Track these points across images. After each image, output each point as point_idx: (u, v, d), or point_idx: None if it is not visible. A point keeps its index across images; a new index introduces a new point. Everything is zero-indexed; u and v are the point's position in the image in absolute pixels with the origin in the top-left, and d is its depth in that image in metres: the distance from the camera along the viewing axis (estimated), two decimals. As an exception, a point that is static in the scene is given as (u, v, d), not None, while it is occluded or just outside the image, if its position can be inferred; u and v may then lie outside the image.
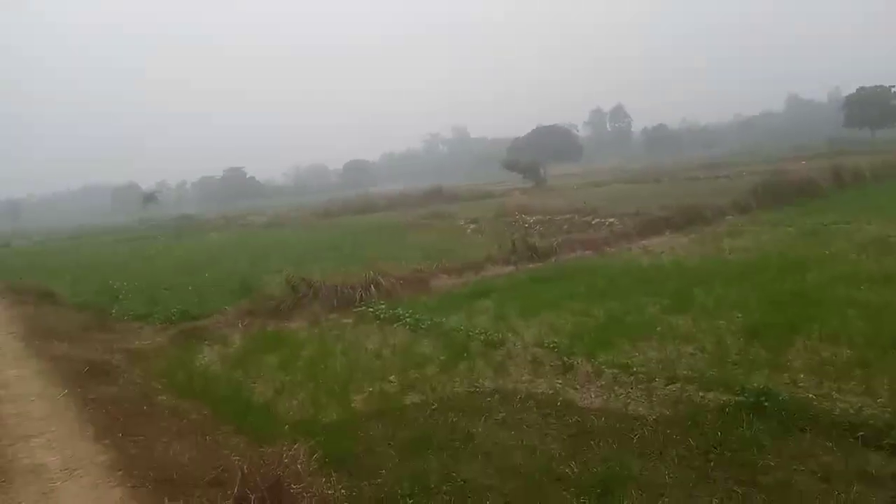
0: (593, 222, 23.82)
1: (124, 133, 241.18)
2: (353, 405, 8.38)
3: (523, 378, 8.70)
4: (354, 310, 14.17)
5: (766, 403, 6.75)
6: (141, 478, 5.91)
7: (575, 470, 6.03)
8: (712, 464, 5.91)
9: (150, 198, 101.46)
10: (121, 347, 12.52)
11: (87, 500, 5.71)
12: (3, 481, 6.26)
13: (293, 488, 4.64)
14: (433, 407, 7.95)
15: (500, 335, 10.49)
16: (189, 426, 7.71)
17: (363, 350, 11.03)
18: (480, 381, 8.73)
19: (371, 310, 13.76)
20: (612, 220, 23.53)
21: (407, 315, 12.67)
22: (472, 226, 28.01)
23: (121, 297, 18.18)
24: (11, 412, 8.63)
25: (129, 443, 6.96)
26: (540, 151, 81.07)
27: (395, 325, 12.40)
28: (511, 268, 17.60)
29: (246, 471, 4.78)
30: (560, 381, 8.44)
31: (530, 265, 17.70)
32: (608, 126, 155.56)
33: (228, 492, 4.81)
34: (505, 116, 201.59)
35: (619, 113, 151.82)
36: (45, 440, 7.37)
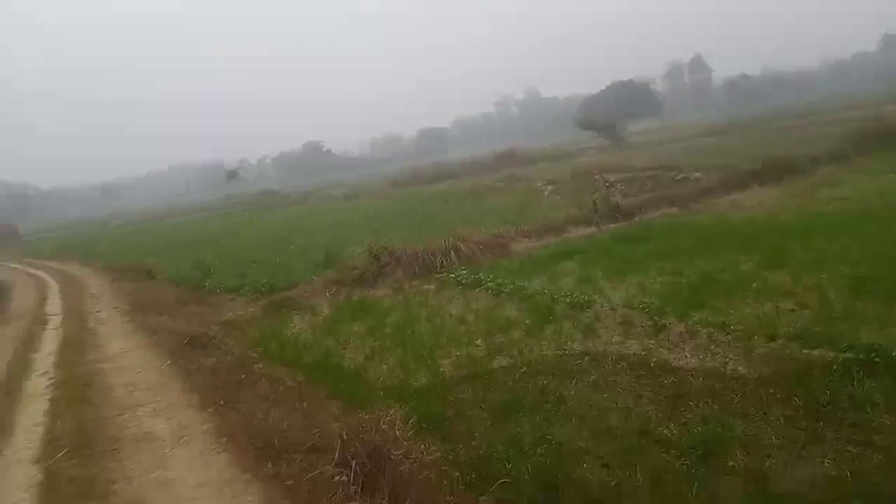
0: (677, 178, 22.98)
1: (204, 113, 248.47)
2: (441, 370, 8.42)
3: (613, 340, 8.51)
4: (436, 276, 14.23)
5: (877, 360, 6.35)
6: (244, 444, 6.13)
7: (674, 432, 5.87)
8: (821, 423, 5.62)
9: (232, 175, 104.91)
10: (216, 319, 13.02)
11: (196, 465, 5.97)
12: (115, 449, 6.63)
13: (393, 454, 4.69)
14: (522, 370, 7.89)
15: (587, 297, 10.27)
16: (285, 393, 7.94)
17: (447, 315, 11.06)
18: (569, 343, 8.60)
19: (452, 276, 13.77)
20: (697, 175, 22.64)
21: (489, 280, 12.61)
22: (549, 187, 27.55)
23: (212, 271, 18.88)
24: (119, 383, 9.14)
25: (230, 410, 7.24)
26: (616, 108, 78.63)
27: (477, 290, 12.36)
28: (593, 228, 17.23)
29: (345, 437, 4.86)
30: (652, 342, 8.21)
31: (613, 225, 17.29)
32: (687, 78, 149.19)
33: (329, 457, 4.92)
34: (577, 74, 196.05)
35: (698, 64, 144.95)
36: (152, 409, 7.76)
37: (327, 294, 14.26)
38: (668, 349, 7.95)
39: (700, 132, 50.24)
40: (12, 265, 33.95)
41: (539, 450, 5.84)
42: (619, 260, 12.60)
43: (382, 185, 53.05)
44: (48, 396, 8.99)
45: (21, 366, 10.95)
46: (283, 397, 7.75)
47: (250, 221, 38.62)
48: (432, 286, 13.51)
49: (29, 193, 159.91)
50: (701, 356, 7.60)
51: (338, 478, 4.53)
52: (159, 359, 10.04)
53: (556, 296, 10.65)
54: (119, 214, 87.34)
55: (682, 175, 23.33)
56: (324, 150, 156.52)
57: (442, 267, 14.70)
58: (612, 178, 23.67)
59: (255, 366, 9.32)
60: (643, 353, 7.94)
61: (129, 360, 10.38)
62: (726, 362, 7.30)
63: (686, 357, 7.66)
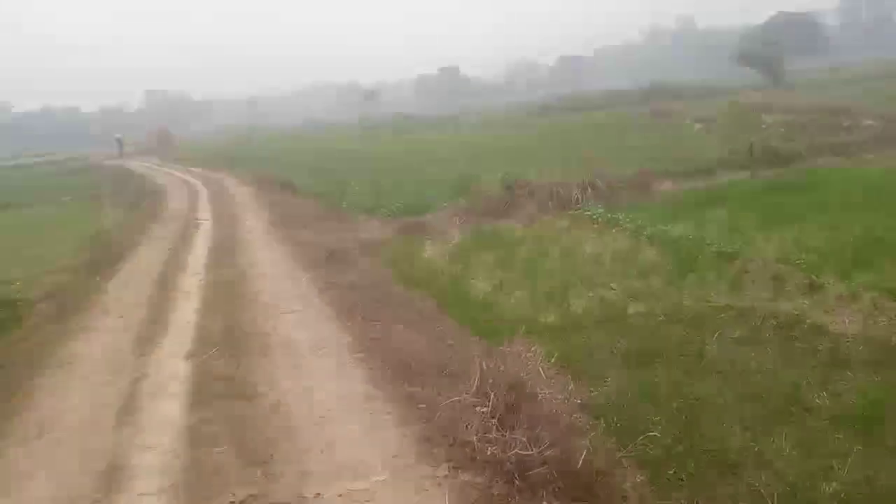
0: (845, 125, 20.86)
1: (341, 33, 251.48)
2: (572, 309, 8.23)
3: (762, 296, 7.93)
4: (570, 212, 13.85)
5: None
6: (381, 361, 6.31)
7: (826, 401, 5.41)
8: None
9: (370, 96, 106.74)
10: (353, 237, 13.43)
11: (334, 377, 6.22)
12: (260, 353, 7.05)
13: (541, 392, 4.61)
14: (659, 318, 7.55)
15: (735, 247, 9.61)
16: (418, 316, 8.09)
17: (580, 254, 10.77)
18: (713, 295, 8.11)
19: (588, 213, 13.34)
20: (869, 122, 20.46)
21: (627, 220, 12.09)
22: (699, 125, 25.90)
23: (349, 190, 19.43)
24: (264, 289, 9.69)
25: (367, 327, 7.47)
26: (777, 43, 72.18)
27: (614, 231, 11.92)
28: (747, 174, 16.05)
29: (485, 367, 4.84)
30: (807, 302, 7.58)
31: (770, 171, 16.02)
32: (864, 14, 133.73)
33: (465, 385, 4.93)
34: (736, 3, 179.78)
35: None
36: (295, 318, 8.15)
37: (458, 222, 14.28)
38: (825, 311, 7.32)
39: (875, 74, 45.22)
40: (166, 169, 36.67)
41: (675, 403, 5.58)
42: (774, 210, 11.68)
43: (520, 112, 52.09)
44: (200, 296, 9.69)
45: (176, 265, 11.86)
46: (417, 320, 7.90)
47: (386, 143, 39.31)
48: (566, 222, 13.17)
49: (183, 102, 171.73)
50: (863, 323, 6.94)
51: (478, 408, 4.52)
52: (302, 270, 10.52)
53: (700, 243, 10.06)
54: (263, 127, 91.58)
55: (852, 122, 21.15)
56: (460, 75, 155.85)
57: (577, 203, 14.28)
58: (770, 119, 21.91)
59: (391, 286, 9.55)
60: (796, 312, 7.34)
61: (273, 268, 10.96)
62: (893, 332, 6.62)
63: (846, 322, 7.02)
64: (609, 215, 12.78)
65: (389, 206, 16.26)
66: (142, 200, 22.56)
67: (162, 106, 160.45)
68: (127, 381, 6.59)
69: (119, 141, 65.98)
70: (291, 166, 28.37)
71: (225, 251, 12.63)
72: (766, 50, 58.92)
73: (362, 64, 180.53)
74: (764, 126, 19.67)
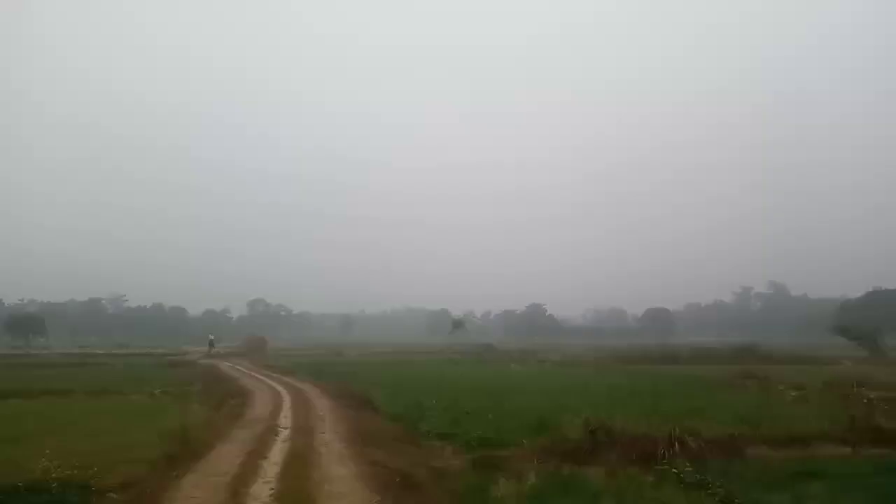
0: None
1: (443, 272, 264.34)
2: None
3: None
4: (655, 467, 13.17)
5: None
6: None
7: None
8: None
9: (458, 324, 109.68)
10: (425, 463, 13.15)
11: None
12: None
13: None
14: None
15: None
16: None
17: (666, 515, 10.07)
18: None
19: (675, 470, 12.65)
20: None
21: (717, 485, 11.37)
22: (794, 392, 24.84)
23: (427, 414, 19.39)
24: (333, 507, 9.45)
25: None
26: (875, 317, 70.68)
27: (702, 493, 11.18)
28: (848, 449, 15.00)
29: None
30: None
31: (874, 449, 14.91)
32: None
33: None
34: (831, 274, 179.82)
35: None
36: (360, 542, 7.86)
37: (535, 461, 13.80)
38: None
39: None
40: (256, 374, 37.90)
41: None
42: (882, 493, 10.73)
43: (604, 357, 51.87)
44: (268, 506, 9.54)
45: (250, 470, 11.85)
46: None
47: (470, 372, 39.59)
48: (651, 478, 12.48)
49: (281, 313, 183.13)
50: None
51: None
52: (372, 491, 10.29)
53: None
54: (354, 343, 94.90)
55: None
56: (546, 314, 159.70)
57: (663, 458, 13.60)
58: (872, 394, 20.77)
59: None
60: None
61: (344, 486, 10.78)
62: None
63: None
64: (697, 476, 12.08)
65: (466, 435, 16.02)
66: (227, 401, 23.17)
67: (262, 315, 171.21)
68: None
69: (211, 342, 70.87)
70: (375, 383, 28.79)
71: (299, 462, 12.58)
72: (862, 322, 57.78)
73: (451, 292, 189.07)
74: (866, 400, 18.61)
